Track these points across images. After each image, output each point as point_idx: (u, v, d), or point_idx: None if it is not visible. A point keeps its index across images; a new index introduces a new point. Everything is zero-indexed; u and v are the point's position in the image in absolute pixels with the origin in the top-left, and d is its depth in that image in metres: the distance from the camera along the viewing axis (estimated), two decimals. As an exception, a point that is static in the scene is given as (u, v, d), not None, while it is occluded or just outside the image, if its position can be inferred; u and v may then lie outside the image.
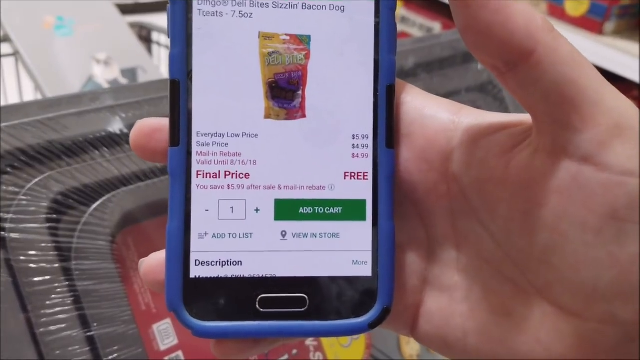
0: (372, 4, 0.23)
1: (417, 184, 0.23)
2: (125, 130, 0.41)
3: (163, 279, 0.22)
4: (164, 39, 0.83)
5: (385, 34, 0.23)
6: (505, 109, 0.60)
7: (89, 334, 0.37)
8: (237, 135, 0.23)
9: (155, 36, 0.85)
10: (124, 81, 0.73)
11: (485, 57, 0.20)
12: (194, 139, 0.22)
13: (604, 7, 1.11)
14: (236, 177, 0.23)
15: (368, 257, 0.23)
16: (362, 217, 0.23)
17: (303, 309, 0.23)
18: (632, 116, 0.19)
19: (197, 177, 0.22)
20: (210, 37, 0.22)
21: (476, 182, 0.22)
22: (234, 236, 0.23)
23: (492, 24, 0.19)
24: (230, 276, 0.22)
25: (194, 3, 0.22)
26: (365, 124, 0.23)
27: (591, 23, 1.13)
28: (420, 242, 0.24)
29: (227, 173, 0.23)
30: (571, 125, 0.19)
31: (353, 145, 0.23)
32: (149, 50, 0.84)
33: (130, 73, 0.75)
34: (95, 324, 0.37)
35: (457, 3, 0.19)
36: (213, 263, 0.22)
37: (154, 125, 0.23)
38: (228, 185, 0.23)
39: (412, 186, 0.23)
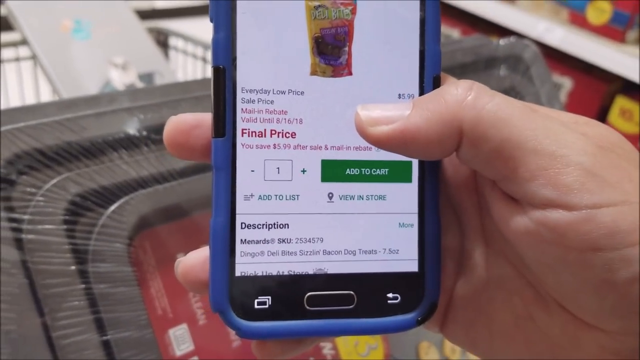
0: None
1: (449, 178, 0.23)
2: (144, 132, 0.40)
3: (204, 277, 0.22)
4: (182, 44, 0.84)
5: None
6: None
7: (104, 338, 0.37)
8: (283, 92, 0.22)
9: (172, 41, 0.85)
10: (141, 86, 0.73)
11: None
12: (239, 95, 0.22)
13: (627, 16, 1.09)
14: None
15: (415, 250, 0.23)
16: (408, 179, 0.23)
17: (351, 307, 0.22)
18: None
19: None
20: None
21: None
22: (280, 208, 0.22)
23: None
24: (277, 273, 0.22)
25: None
26: (411, 84, 0.23)
27: (613, 31, 1.11)
28: (454, 238, 0.24)
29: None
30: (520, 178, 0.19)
31: None
32: (166, 55, 0.84)
33: (147, 78, 0.74)
34: (110, 328, 0.37)
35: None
36: (259, 254, 0.22)
37: (191, 122, 0.22)
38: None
39: (446, 180, 0.24)
